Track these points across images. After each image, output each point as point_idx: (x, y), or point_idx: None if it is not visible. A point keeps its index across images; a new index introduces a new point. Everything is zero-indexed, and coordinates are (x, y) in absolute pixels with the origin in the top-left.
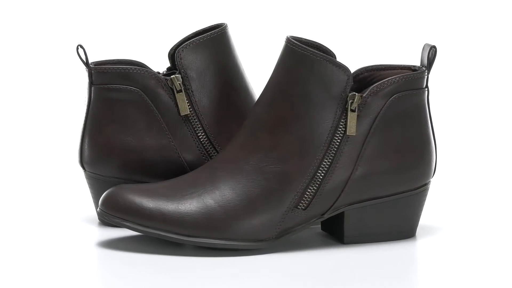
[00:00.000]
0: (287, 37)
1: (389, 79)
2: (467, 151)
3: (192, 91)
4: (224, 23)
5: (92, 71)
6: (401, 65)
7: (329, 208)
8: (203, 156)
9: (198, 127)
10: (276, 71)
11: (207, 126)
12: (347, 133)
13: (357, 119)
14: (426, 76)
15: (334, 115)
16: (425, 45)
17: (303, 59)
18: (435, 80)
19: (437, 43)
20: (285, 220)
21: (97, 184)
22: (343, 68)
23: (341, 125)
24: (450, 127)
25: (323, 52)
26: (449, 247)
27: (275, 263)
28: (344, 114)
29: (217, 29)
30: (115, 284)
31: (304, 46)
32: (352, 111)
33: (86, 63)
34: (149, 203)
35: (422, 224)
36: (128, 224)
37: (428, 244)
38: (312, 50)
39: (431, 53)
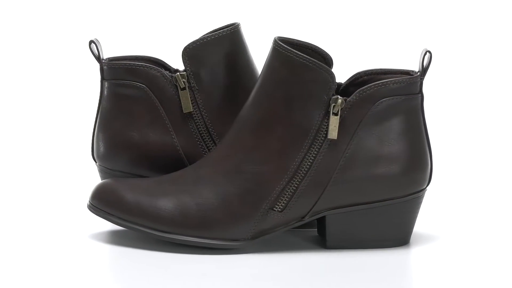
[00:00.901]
0: (274, 38)
1: (376, 83)
2: (464, 158)
3: (197, 89)
4: (236, 22)
5: (104, 67)
6: (401, 69)
7: (308, 212)
8: (205, 154)
9: (201, 125)
10: (262, 72)
11: (210, 125)
12: (328, 137)
13: (340, 122)
14: (419, 82)
15: (317, 118)
16: (423, 50)
17: (287, 61)
18: (438, 86)
19: (444, 48)
20: (261, 221)
21: (107, 178)
22: (326, 71)
23: (323, 128)
24: (447, 134)
25: (319, 54)
26: (443, 255)
27: (260, 263)
28: (327, 117)
29: (227, 28)
30: (115, 280)
31: (289, 48)
32: (335, 114)
33: (98, 58)
34: (130, 198)
35: (418, 232)
36: (110, 218)
37: (421, 252)
38: (297, 52)
39: (426, 58)
